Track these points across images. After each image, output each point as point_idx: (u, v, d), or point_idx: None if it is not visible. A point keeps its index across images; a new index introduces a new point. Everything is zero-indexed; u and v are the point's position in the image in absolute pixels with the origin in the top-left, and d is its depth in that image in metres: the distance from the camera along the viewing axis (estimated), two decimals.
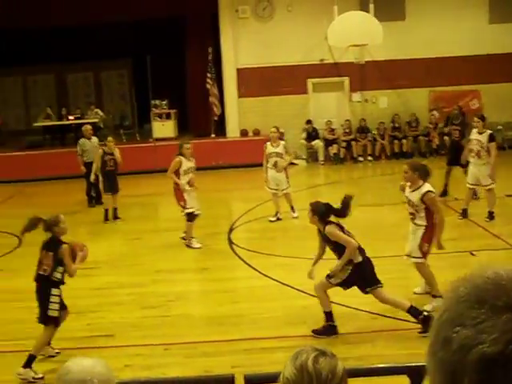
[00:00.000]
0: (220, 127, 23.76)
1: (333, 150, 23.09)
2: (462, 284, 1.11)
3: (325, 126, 23.34)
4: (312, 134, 23.22)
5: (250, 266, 11.28)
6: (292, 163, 22.16)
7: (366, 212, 15.06)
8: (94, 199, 17.07)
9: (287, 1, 23.11)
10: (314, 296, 9.29)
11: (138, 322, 8.84)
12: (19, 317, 9.38)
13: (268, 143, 14.82)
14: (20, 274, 11.48)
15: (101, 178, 15.80)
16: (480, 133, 13.43)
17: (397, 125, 23.56)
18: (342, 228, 8.43)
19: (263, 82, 23.12)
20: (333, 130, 23.33)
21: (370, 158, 23.26)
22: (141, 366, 7.61)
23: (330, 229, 8.34)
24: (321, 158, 23.21)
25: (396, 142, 23.33)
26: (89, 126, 17.28)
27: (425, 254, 9.03)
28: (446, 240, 11.96)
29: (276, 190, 14.67)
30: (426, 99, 23.98)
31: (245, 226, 14.49)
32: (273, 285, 10.16)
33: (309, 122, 23.24)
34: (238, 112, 23.61)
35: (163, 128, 23.66)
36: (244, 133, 23.49)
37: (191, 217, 12.69)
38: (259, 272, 10.79)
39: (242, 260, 11.69)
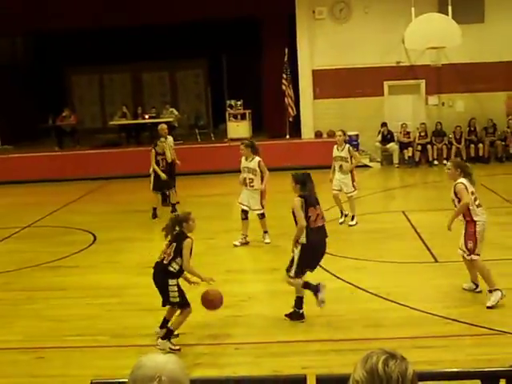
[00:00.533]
0: (295, 128, 23.77)
1: (408, 153, 22.87)
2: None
3: (400, 129, 23.12)
4: (387, 137, 23.03)
5: (321, 267, 11.27)
6: (366, 165, 22.13)
7: (442, 216, 14.88)
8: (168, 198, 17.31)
9: (364, 2, 22.99)
10: (387, 300, 9.27)
11: (210, 321, 8.91)
12: (91, 313, 9.59)
13: (335, 146, 14.77)
14: (94, 271, 11.77)
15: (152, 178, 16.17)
16: None
17: (473, 129, 23.18)
18: (314, 205, 8.83)
19: (338, 83, 23.06)
20: (408, 132, 23.10)
21: (445, 161, 22.91)
22: (211, 365, 7.68)
23: (294, 201, 8.82)
24: (395, 160, 23.00)
25: (472, 146, 22.95)
26: (164, 126, 17.50)
27: (471, 251, 9.12)
28: None
29: (338, 191, 14.60)
30: (504, 103, 23.53)
31: None
32: (345, 287, 10.14)
33: (384, 124, 23.07)
34: (313, 113, 23.59)
35: (238, 128, 23.83)
36: (318, 134, 23.47)
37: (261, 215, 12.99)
38: (331, 273, 10.77)
39: None
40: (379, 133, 23.08)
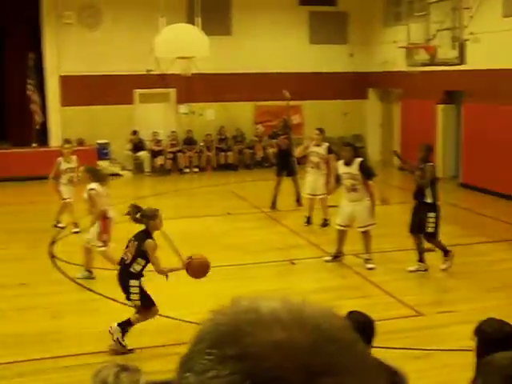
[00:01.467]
0: (42, 136, 23.00)
1: (159, 161, 23.02)
2: (210, 319, 0.99)
3: (151, 137, 23.22)
4: (138, 145, 23.03)
5: (71, 279, 11.02)
6: (117, 174, 21.99)
7: (193, 223, 15.16)
8: None
9: (113, 10, 22.79)
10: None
11: None
12: None
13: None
14: None
15: None
16: (318, 145, 14.39)
17: (223, 137, 23.87)
18: None
19: (88, 90, 22.63)
20: (159, 141, 23.26)
21: (195, 169, 23.39)
22: None
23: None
24: (147, 169, 23.05)
25: (222, 153, 23.62)
26: None
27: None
28: (269, 250, 12.31)
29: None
30: (251, 112, 24.48)
31: (66, 239, 14.12)
32: (96, 298, 9.97)
33: (135, 132, 23.04)
34: (61, 121, 22.98)
35: None
36: (67, 142, 22.81)
37: None
38: (81, 285, 10.56)
39: (64, 274, 11.40)
40: (130, 141, 23.02)
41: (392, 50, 21.16)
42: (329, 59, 24.51)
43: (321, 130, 14.83)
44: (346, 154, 11.89)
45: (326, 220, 14.34)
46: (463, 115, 19.45)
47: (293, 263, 11.52)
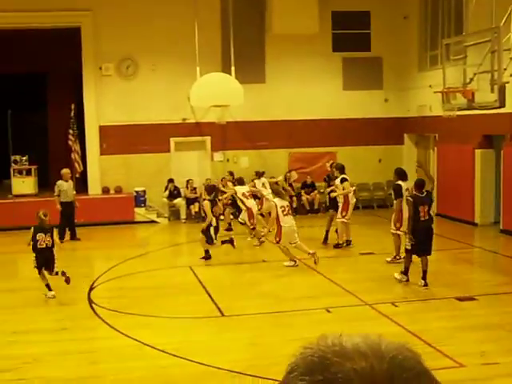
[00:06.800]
0: (82, 184, 23.45)
1: (194, 208, 23.24)
2: (301, 351, 1.17)
3: (186, 185, 23.50)
4: (174, 193, 23.32)
5: (109, 325, 11.18)
6: (154, 221, 22.29)
7: (227, 270, 15.30)
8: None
9: (151, 60, 23.30)
10: (175, 356, 9.35)
11: None
12: None
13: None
14: None
15: None
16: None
17: None
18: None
19: (125, 139, 23.08)
20: (194, 188, 23.52)
21: (231, 216, 23.53)
22: None
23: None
24: (182, 216, 23.29)
25: (256, 200, 23.75)
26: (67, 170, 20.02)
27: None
28: (304, 298, 12.37)
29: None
30: (285, 159, 24.67)
31: (105, 284, 14.33)
32: (132, 344, 10.10)
33: (171, 180, 23.34)
34: (100, 169, 23.42)
35: (23, 184, 23.16)
36: (105, 190, 23.28)
37: None
38: (119, 332, 10.71)
39: (102, 319, 11.57)
40: (166, 188, 23.32)
41: (428, 95, 21.12)
42: (363, 105, 24.64)
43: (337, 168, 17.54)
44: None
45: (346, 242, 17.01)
46: (503, 159, 18.92)
47: (328, 311, 11.57)
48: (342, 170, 17.21)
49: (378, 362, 1.09)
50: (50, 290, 12.97)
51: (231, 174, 22.18)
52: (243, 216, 18.72)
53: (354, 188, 17.70)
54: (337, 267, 15.39)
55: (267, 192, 19.14)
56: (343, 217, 16.76)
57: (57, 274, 13.12)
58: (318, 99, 24.32)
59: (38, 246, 12.97)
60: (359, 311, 11.69)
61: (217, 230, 16.20)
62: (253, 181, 20.85)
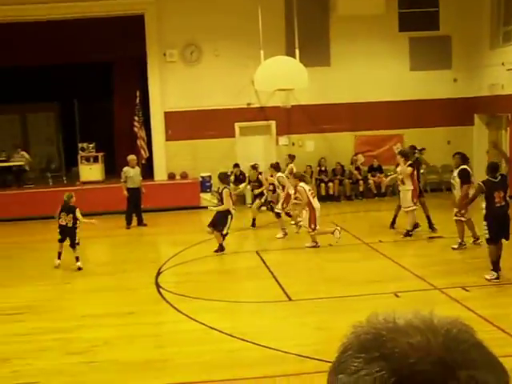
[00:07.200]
0: (148, 170, 23.63)
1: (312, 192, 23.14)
2: (352, 331, 1.17)
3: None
4: (239, 178, 23.28)
5: (176, 309, 11.20)
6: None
7: (295, 254, 15.21)
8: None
9: (214, 45, 23.29)
10: (242, 340, 9.30)
11: (64, 368, 8.64)
12: None
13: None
14: None
15: None
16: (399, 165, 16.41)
17: (323, 168, 23.88)
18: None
19: (190, 125, 23.16)
20: (260, 173, 23.43)
21: (296, 200, 23.41)
22: None
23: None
24: (248, 201, 23.26)
25: (323, 185, 23.61)
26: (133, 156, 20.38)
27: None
28: (372, 282, 12.20)
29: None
30: (351, 143, 24.40)
31: (172, 269, 14.39)
32: (200, 329, 10.09)
33: (236, 165, 23.32)
34: (166, 155, 23.56)
35: (90, 171, 23.46)
36: (171, 176, 23.42)
37: None
38: (186, 315, 10.71)
39: (169, 304, 11.60)
40: (232, 173, 23.30)
41: (500, 73, 20.57)
42: (431, 85, 24.11)
43: (401, 153, 16.85)
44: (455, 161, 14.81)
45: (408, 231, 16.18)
46: None
47: (397, 296, 11.36)
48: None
49: (433, 336, 1.10)
50: (58, 258, 14.62)
51: (290, 157, 22.02)
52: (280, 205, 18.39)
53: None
54: (405, 251, 15.15)
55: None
56: (415, 204, 16.36)
57: (77, 243, 14.58)
58: (384, 81, 23.93)
59: (60, 223, 14.58)
60: (429, 296, 11.44)
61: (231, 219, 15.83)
62: (287, 165, 21.10)
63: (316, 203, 15.80)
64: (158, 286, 12.91)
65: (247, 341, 9.32)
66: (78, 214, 14.56)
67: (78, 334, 10.12)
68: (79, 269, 14.30)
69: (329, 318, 10.21)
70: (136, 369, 8.69)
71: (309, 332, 9.78)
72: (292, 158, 21.52)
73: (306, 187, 15.78)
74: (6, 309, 11.23)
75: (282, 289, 12.16)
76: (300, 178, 16.43)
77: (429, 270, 13.03)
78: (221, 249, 15.47)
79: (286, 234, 17.41)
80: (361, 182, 23.65)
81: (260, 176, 19.64)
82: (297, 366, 8.43)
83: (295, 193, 16.95)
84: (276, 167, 19.15)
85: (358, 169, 23.94)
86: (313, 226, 15.51)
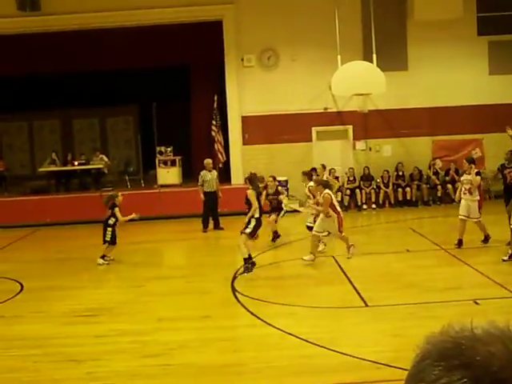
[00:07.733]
0: (225, 174, 23.82)
1: (337, 197, 23.08)
2: (428, 340, 1.18)
3: (329, 174, 23.36)
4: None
5: (252, 314, 11.24)
6: (296, 210, 22.25)
7: (371, 260, 15.10)
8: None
9: (292, 50, 23.36)
10: (318, 345, 9.26)
11: (140, 370, 8.76)
12: (15, 365, 9.26)
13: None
14: (19, 321, 11.45)
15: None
16: (469, 173, 15.72)
17: (400, 173, 23.65)
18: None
19: (267, 129, 23.27)
20: (337, 177, 23.38)
21: (373, 205, 23.29)
22: None
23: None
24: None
25: (400, 190, 23.39)
26: (210, 160, 20.59)
27: None
28: (450, 289, 12.01)
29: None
30: (429, 147, 24.10)
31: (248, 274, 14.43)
32: (275, 334, 10.10)
33: (313, 169, 23.27)
34: (242, 159, 23.70)
35: (168, 175, 23.78)
36: None
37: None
38: (262, 320, 10.74)
39: (245, 308, 11.65)
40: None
41: None
42: (510, 90, 23.65)
43: (468, 161, 16.15)
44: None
45: (486, 236, 15.81)
46: None
47: (476, 303, 11.15)
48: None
49: None
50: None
51: (324, 167, 21.45)
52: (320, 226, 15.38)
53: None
54: (483, 257, 14.85)
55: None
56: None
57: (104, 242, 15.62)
58: (462, 85, 23.60)
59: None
60: (510, 303, 11.21)
61: (259, 223, 14.46)
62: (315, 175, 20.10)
63: (338, 207, 15.27)
64: (233, 289, 12.98)
65: (323, 346, 9.27)
66: (118, 213, 15.40)
67: (154, 336, 10.23)
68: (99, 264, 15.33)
69: (406, 324, 10.08)
70: (211, 372, 8.74)
71: (385, 339, 9.68)
72: (324, 167, 21.21)
73: (333, 195, 15.09)
74: (81, 310, 11.44)
75: (359, 294, 12.08)
76: (325, 185, 15.38)
77: (510, 277, 12.76)
78: (249, 260, 14.35)
79: (315, 258, 15.01)
80: (439, 186, 23.34)
81: (280, 188, 18.63)
82: (373, 373, 8.35)
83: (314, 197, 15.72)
84: (309, 175, 17.37)
85: (435, 173, 23.62)
86: (341, 229, 15.11)
